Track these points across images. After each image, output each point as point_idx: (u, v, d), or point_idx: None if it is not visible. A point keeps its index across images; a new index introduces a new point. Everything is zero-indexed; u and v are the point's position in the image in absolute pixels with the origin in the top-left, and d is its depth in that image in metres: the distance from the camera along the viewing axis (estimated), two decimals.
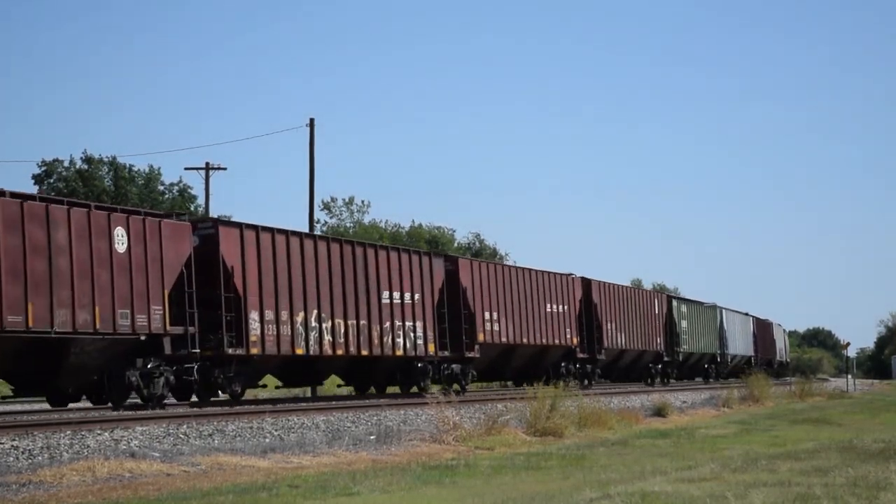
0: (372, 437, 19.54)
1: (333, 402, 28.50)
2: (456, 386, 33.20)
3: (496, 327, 35.26)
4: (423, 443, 19.33)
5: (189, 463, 15.36)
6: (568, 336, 40.22)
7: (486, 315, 34.77)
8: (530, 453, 17.62)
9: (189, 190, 69.50)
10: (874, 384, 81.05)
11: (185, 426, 19.16)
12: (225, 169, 56.18)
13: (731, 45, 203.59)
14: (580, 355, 41.91)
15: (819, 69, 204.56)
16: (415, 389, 32.14)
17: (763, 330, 78.49)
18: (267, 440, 18.79)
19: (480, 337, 34.32)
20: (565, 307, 40.11)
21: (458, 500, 12.06)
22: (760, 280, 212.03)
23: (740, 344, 68.03)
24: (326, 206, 77.55)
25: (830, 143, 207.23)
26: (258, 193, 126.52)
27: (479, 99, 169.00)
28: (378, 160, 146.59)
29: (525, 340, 37.36)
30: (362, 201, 79.21)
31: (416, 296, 31.53)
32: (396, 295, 30.71)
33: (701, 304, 61.71)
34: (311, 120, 47.95)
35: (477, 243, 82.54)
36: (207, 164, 54.66)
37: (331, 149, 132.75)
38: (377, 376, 32.97)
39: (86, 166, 67.65)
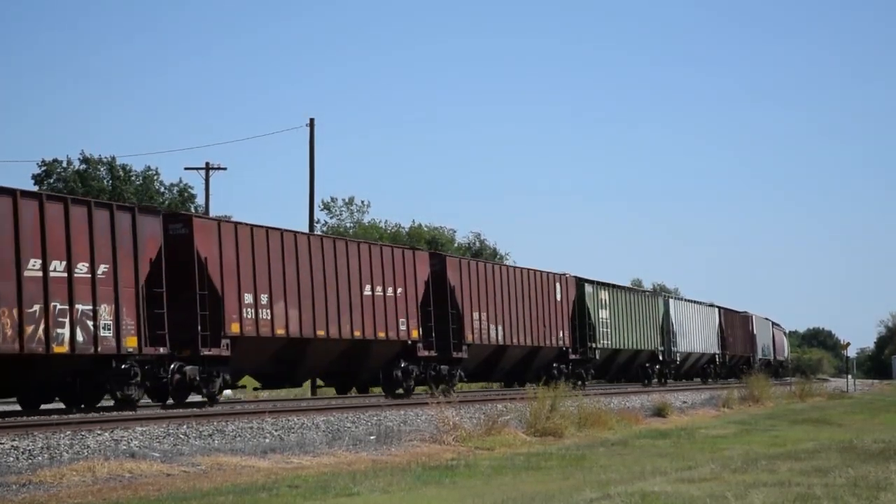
0: (372, 438, 19.54)
1: (333, 402, 28.49)
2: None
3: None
4: (423, 443, 19.32)
5: (189, 463, 15.36)
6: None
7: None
8: (530, 453, 17.62)
9: (189, 189, 69.49)
10: (874, 384, 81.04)
11: (185, 426, 19.16)
12: (225, 169, 56.21)
13: (730, 45, 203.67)
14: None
15: (819, 70, 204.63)
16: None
17: (736, 324, 68.04)
18: (267, 440, 18.79)
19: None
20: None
21: (458, 500, 12.06)
22: (761, 280, 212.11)
23: (698, 339, 57.78)
24: (326, 207, 77.51)
25: (831, 144, 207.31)
26: (258, 193, 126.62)
27: (479, 99, 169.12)
28: (378, 160, 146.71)
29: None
30: (362, 201, 79.18)
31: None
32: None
33: (639, 291, 56.07)
34: (311, 120, 47.99)
35: (477, 243, 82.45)
36: (207, 164, 54.67)
37: (331, 149, 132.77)
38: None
39: (84, 167, 67.69)
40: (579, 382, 40.31)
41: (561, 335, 39.81)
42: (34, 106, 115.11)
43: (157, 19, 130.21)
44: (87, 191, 62.19)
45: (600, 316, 44.19)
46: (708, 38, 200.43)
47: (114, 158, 68.49)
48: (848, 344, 70.62)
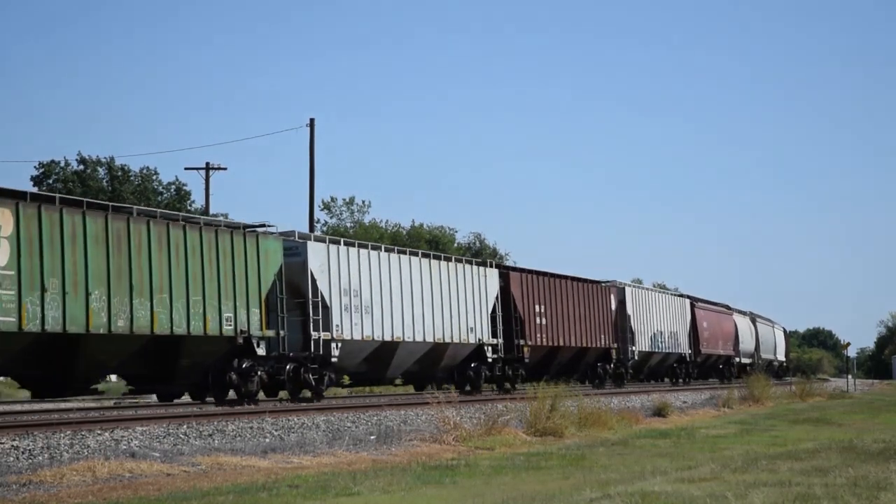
0: (372, 437, 19.54)
1: (334, 402, 28.49)
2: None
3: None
4: (423, 443, 19.32)
5: (189, 463, 15.36)
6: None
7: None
8: (530, 453, 17.61)
9: (184, 187, 69.40)
10: (874, 384, 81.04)
11: (185, 426, 19.16)
12: (225, 169, 56.21)
13: (739, 46, 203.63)
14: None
15: (822, 71, 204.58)
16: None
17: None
18: (267, 440, 18.78)
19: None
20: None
21: (458, 500, 12.06)
22: (761, 280, 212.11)
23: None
24: (326, 207, 77.51)
25: (831, 144, 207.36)
26: (258, 193, 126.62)
27: (479, 99, 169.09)
28: (378, 160, 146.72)
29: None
30: (362, 201, 79.20)
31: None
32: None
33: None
34: (312, 120, 48.04)
35: (477, 243, 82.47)
36: (207, 164, 54.69)
37: (331, 149, 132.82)
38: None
39: (81, 167, 67.73)
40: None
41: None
42: (34, 106, 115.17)
43: (156, 19, 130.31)
44: (86, 191, 62.21)
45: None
46: (717, 39, 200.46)
47: (112, 159, 68.53)
48: (848, 344, 70.64)
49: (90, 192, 62.54)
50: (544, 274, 39.17)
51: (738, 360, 64.39)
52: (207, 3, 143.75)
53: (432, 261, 33.06)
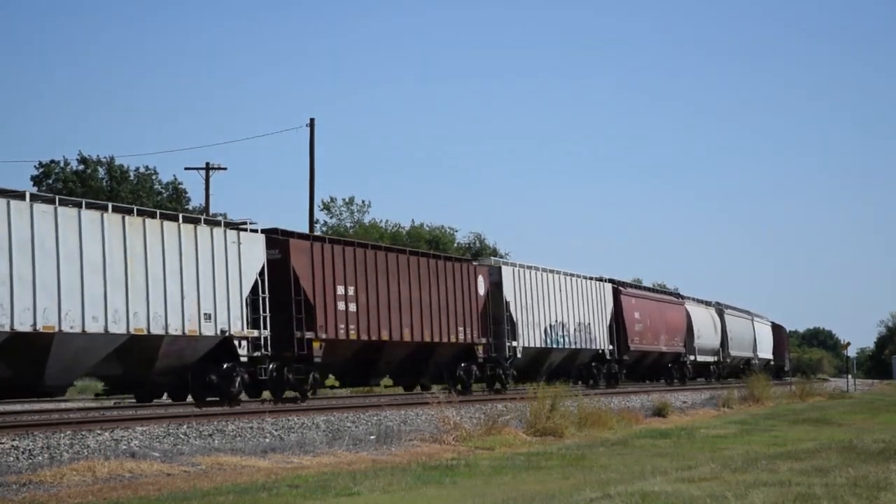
0: (372, 437, 19.54)
1: (334, 402, 28.50)
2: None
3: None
4: (423, 443, 19.33)
5: (189, 463, 15.36)
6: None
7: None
8: (530, 453, 17.62)
9: (180, 185, 69.36)
10: (874, 384, 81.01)
11: (185, 426, 19.16)
12: (225, 169, 56.18)
13: (735, 44, 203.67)
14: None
15: (821, 70, 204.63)
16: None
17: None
18: (267, 440, 18.79)
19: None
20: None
21: (458, 500, 12.06)
22: (761, 280, 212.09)
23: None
24: (326, 207, 77.50)
25: (831, 144, 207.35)
26: (258, 193, 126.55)
27: (479, 99, 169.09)
28: (378, 160, 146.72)
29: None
30: (362, 201, 79.19)
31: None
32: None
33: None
34: (312, 120, 48.02)
35: (477, 243, 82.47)
36: (207, 164, 54.67)
37: (331, 149, 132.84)
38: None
39: (81, 167, 67.75)
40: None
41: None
42: (34, 107, 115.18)
43: (156, 19, 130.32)
44: (86, 191, 62.24)
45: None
46: (713, 37, 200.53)
47: (112, 159, 68.54)
48: (848, 344, 70.62)
49: (91, 192, 62.56)
50: (361, 245, 30.35)
51: (692, 357, 53.04)
52: (207, 3, 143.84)
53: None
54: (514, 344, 35.48)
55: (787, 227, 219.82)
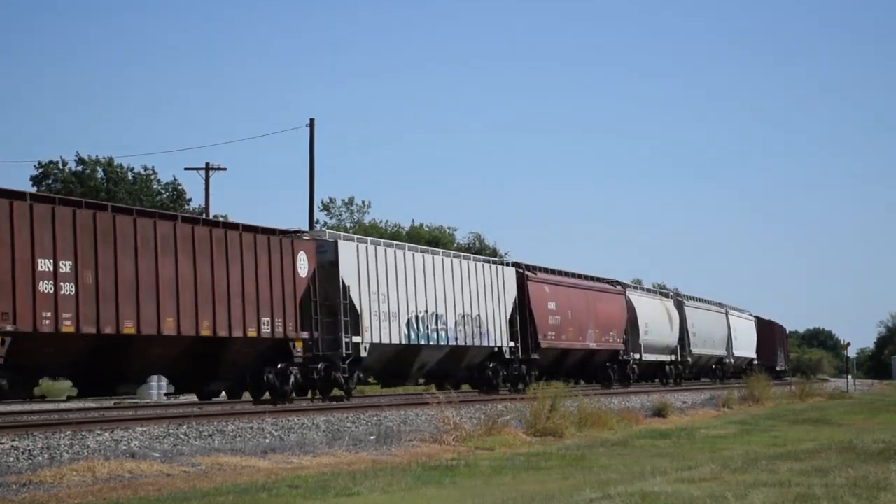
0: (372, 438, 19.54)
1: (334, 402, 28.49)
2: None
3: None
4: (423, 443, 19.33)
5: (189, 463, 15.36)
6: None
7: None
8: (530, 453, 17.62)
9: (179, 186, 69.34)
10: (874, 384, 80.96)
11: (185, 426, 19.16)
12: (225, 169, 56.23)
13: (735, 41, 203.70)
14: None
15: (820, 67, 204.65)
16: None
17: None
18: (267, 440, 18.79)
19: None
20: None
21: (458, 500, 12.06)
22: (761, 280, 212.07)
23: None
24: (326, 207, 77.50)
25: (831, 143, 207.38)
26: (258, 193, 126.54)
27: (479, 99, 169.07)
28: (378, 160, 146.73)
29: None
30: (362, 201, 79.17)
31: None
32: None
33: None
34: (312, 120, 48.06)
35: (477, 243, 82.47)
36: (207, 164, 54.71)
37: (331, 149, 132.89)
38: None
39: (80, 168, 67.79)
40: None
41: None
42: (34, 107, 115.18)
43: (157, 19, 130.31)
44: (85, 192, 62.27)
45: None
46: (712, 36, 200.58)
47: (111, 159, 68.55)
48: (848, 344, 70.58)
49: (90, 192, 62.58)
50: (90, 206, 22.18)
51: (636, 356, 45.91)
52: (207, 3, 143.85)
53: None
54: (357, 340, 28.28)
55: (787, 227, 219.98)
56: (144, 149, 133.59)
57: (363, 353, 28.57)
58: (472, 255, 35.72)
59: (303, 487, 12.80)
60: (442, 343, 32.10)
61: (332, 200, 78.10)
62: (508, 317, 35.64)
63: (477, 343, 33.84)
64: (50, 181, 66.79)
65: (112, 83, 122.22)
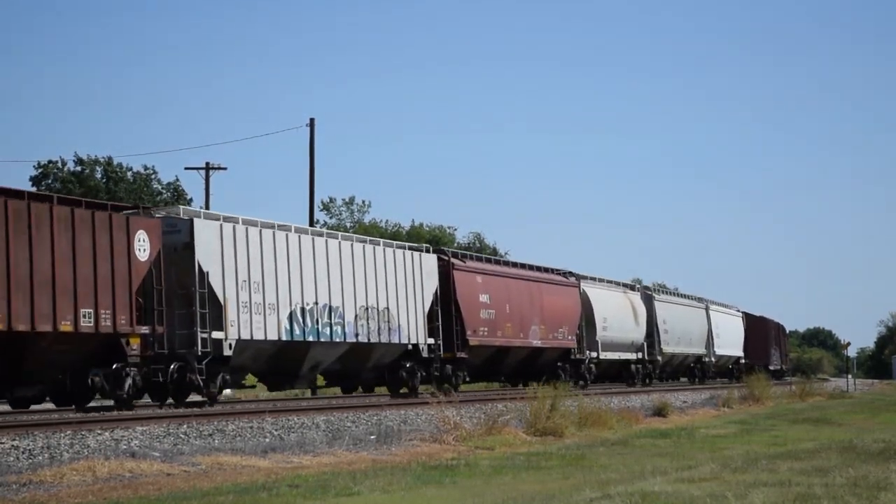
0: (372, 437, 19.53)
1: (334, 402, 28.48)
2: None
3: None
4: (423, 443, 19.32)
5: (189, 463, 15.35)
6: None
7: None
8: (530, 453, 17.61)
9: (178, 186, 69.36)
10: (874, 384, 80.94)
11: (185, 426, 19.15)
12: (225, 169, 56.26)
13: (735, 41, 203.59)
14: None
15: (819, 67, 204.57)
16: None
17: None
18: (267, 440, 18.78)
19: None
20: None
21: (458, 499, 12.06)
22: (761, 280, 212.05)
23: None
24: (326, 207, 77.54)
25: (831, 143, 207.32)
26: (258, 193, 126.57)
27: (479, 99, 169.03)
28: (378, 160, 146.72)
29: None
30: (363, 201, 79.19)
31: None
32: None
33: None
34: (312, 120, 48.11)
35: (477, 243, 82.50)
36: (207, 164, 54.73)
37: (331, 149, 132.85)
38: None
39: (78, 168, 67.85)
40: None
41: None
42: (34, 107, 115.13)
43: (157, 19, 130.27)
44: (85, 192, 62.31)
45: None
46: (703, 36, 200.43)
47: (110, 158, 68.58)
48: (848, 344, 70.55)
49: (89, 192, 62.62)
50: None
51: (593, 354, 41.50)
52: (207, 3, 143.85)
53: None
54: (220, 335, 24.51)
55: (787, 226, 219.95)
56: (144, 149, 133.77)
57: (227, 352, 24.40)
58: (381, 240, 31.32)
59: (303, 487, 12.80)
60: (338, 339, 27.68)
61: (332, 200, 78.20)
62: (427, 310, 31.54)
63: (385, 340, 29.52)
64: (49, 181, 66.82)
65: (112, 83, 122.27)
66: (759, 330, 69.35)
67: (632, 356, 45.82)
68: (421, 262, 31.60)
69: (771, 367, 68.17)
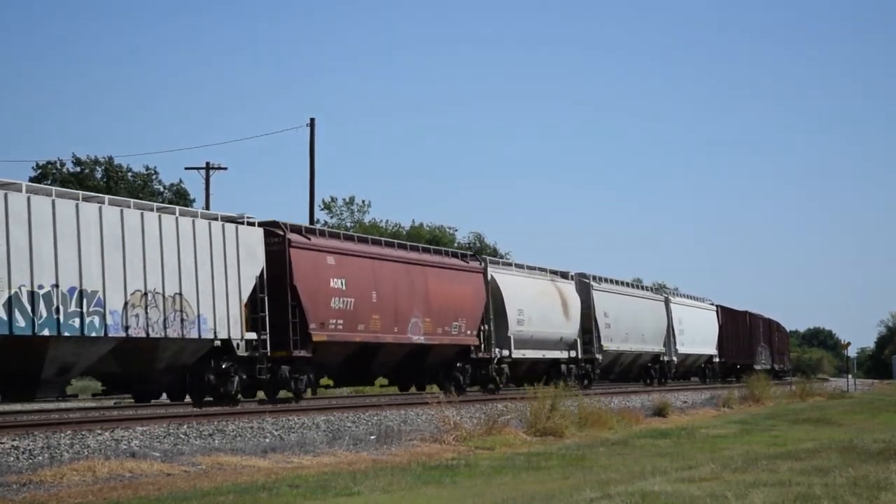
0: (372, 437, 19.54)
1: (334, 402, 28.50)
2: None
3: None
4: (423, 443, 19.33)
5: (189, 463, 15.36)
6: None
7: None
8: (531, 453, 17.62)
9: (181, 185, 69.33)
10: (874, 384, 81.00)
11: (185, 426, 19.16)
12: (225, 169, 56.22)
13: (729, 41, 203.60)
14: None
15: (820, 67, 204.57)
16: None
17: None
18: (267, 440, 18.78)
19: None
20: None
21: (458, 500, 12.06)
22: (761, 280, 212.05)
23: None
24: (327, 206, 77.54)
25: (831, 143, 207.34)
26: (258, 193, 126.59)
27: (479, 99, 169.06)
28: (378, 160, 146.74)
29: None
30: (363, 201, 79.18)
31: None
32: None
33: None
34: (312, 120, 48.03)
35: (478, 243, 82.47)
36: (207, 164, 54.71)
37: (331, 149, 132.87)
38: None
39: (77, 169, 67.87)
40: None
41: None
42: (33, 107, 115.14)
43: (157, 19, 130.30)
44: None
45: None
46: (704, 36, 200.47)
47: (110, 158, 68.57)
48: (848, 344, 70.60)
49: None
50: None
51: (504, 353, 34.58)
52: (208, 3, 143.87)
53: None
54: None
55: (787, 226, 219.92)
56: (144, 149, 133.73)
57: None
58: (176, 208, 24.03)
59: (303, 487, 12.80)
60: (95, 334, 20.60)
61: (333, 200, 78.19)
62: (246, 298, 24.40)
63: (176, 334, 22.38)
64: (49, 181, 66.84)
65: (112, 83, 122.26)
66: (739, 326, 62.21)
67: (561, 355, 38.33)
68: (237, 237, 24.26)
69: (757, 367, 60.22)
